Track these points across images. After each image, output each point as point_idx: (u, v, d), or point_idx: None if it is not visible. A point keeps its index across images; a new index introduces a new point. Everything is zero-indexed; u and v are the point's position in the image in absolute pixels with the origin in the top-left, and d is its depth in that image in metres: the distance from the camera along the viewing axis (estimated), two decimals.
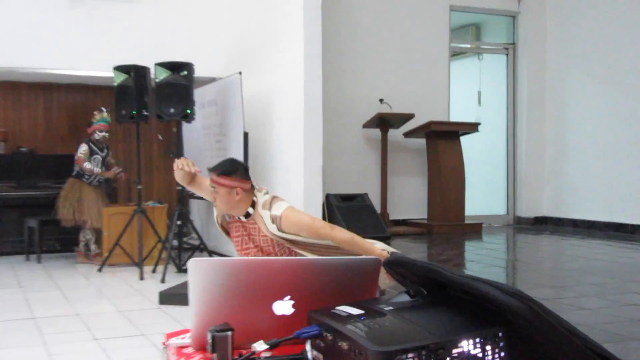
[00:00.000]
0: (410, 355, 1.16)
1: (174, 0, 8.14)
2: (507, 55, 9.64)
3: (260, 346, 1.35)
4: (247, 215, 3.30)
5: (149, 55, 7.19)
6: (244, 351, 1.52)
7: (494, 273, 5.80)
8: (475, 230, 8.26)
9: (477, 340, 1.21)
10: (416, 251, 6.75)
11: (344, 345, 1.25)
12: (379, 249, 3.23)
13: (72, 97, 9.06)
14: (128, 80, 6.95)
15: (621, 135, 8.16)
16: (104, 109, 7.80)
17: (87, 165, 7.51)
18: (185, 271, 7.02)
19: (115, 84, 7.04)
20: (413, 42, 8.65)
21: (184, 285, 6.04)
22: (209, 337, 1.41)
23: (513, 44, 9.54)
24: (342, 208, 6.99)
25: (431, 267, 1.37)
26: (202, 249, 7.39)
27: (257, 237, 3.32)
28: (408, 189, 8.45)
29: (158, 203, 8.40)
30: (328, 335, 1.31)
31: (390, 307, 1.35)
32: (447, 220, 8.03)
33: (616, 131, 8.23)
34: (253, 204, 3.29)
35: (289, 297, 1.52)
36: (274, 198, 3.35)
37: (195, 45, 7.99)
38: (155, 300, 5.72)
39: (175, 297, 5.69)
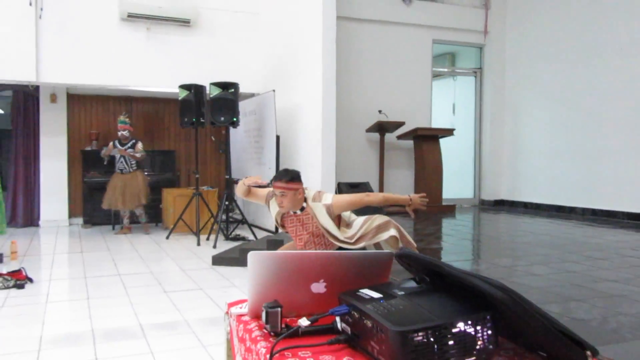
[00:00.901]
0: (420, 334, 1.14)
1: (225, 33, 8.10)
2: (475, 77, 9.56)
3: (304, 322, 1.34)
4: (302, 208, 3.37)
5: (206, 76, 7.18)
6: (288, 319, 1.52)
7: (465, 245, 5.76)
8: (450, 210, 8.22)
9: (470, 322, 1.20)
10: (405, 227, 6.70)
11: (368, 323, 1.24)
12: (403, 196, 3.44)
13: (147, 107, 9.06)
14: (189, 95, 6.94)
15: (562, 139, 8.09)
16: (123, 114, 7.82)
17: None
18: (231, 239, 7.05)
19: (180, 98, 7.03)
20: (404, 67, 8.58)
21: (231, 250, 6.06)
22: (263, 311, 1.40)
23: (480, 68, 9.45)
24: (349, 193, 6.96)
25: (434, 262, 1.35)
26: (243, 222, 7.40)
27: (310, 225, 3.39)
28: (400, 178, 8.41)
29: (210, 187, 8.42)
30: (355, 313, 1.30)
31: (402, 292, 1.33)
32: (429, 202, 7.97)
33: (558, 136, 8.16)
34: (305, 200, 3.36)
35: (322, 280, 1.51)
36: (319, 192, 3.42)
37: (240, 69, 7.96)
38: (209, 261, 5.74)
39: (224, 259, 5.71)
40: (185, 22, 7.76)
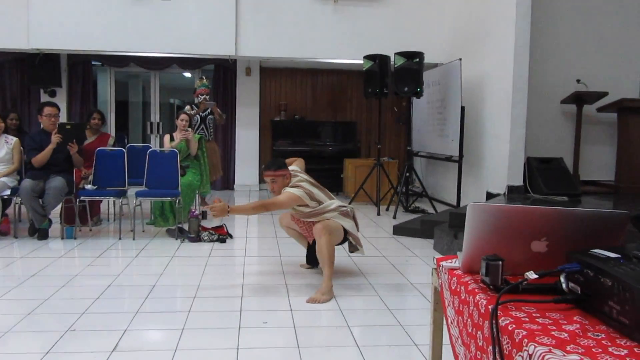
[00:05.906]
0: None
1: (410, 3, 8.03)
2: None
3: (531, 275, 1.29)
4: None
5: (390, 47, 7.20)
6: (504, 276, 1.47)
7: None
8: None
9: None
10: (605, 208, 6.12)
11: (607, 281, 1.15)
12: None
13: (331, 79, 9.40)
14: (374, 66, 7.02)
15: None
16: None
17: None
18: (410, 211, 7.08)
19: (364, 69, 7.14)
20: (609, 31, 7.70)
21: (412, 221, 6.09)
22: (482, 264, 1.38)
23: None
24: (541, 169, 6.49)
25: None
26: (423, 195, 7.37)
27: None
28: (598, 155, 7.62)
29: (391, 159, 8.50)
30: (589, 272, 1.21)
31: None
32: (634, 183, 7.14)
33: None
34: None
35: (545, 238, 1.44)
36: (293, 184, 3.75)
37: (425, 39, 7.85)
38: (389, 231, 5.83)
39: (405, 229, 5.77)
40: None
